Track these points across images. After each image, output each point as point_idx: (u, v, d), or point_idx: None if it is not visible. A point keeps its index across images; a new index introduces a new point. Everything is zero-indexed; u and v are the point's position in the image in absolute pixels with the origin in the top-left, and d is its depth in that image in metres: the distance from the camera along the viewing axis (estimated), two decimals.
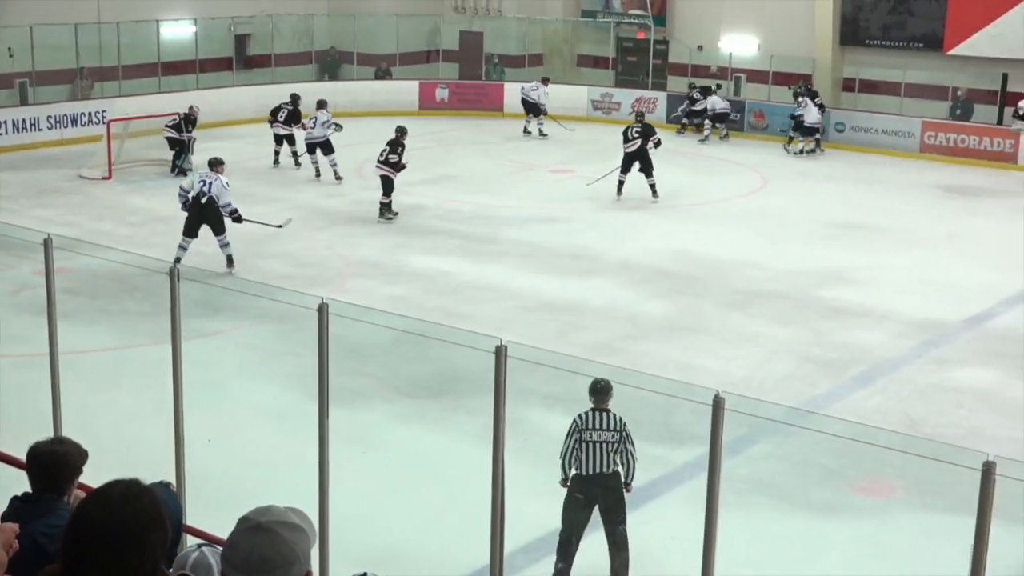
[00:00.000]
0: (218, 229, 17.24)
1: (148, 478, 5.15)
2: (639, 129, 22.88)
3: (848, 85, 31.12)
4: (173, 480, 7.45)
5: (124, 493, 3.09)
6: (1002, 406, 13.01)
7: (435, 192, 23.10)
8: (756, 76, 31.42)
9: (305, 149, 24.34)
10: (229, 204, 17.20)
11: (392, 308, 14.61)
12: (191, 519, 6.87)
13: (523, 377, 8.95)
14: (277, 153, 25.34)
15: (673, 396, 9.11)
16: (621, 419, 9.08)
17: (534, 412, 12.01)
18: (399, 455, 11.71)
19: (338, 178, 23.81)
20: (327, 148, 23.96)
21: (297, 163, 24.95)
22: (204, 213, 17.14)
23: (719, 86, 30.31)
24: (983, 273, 18.20)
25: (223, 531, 6.32)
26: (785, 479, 11.21)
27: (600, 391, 9.11)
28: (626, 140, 22.86)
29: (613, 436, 9.05)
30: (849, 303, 16.52)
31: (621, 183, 22.88)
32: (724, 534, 6.41)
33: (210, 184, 17.12)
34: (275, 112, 25.32)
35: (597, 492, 9.13)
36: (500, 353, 6.51)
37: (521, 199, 22.84)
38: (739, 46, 31.91)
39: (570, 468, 9.12)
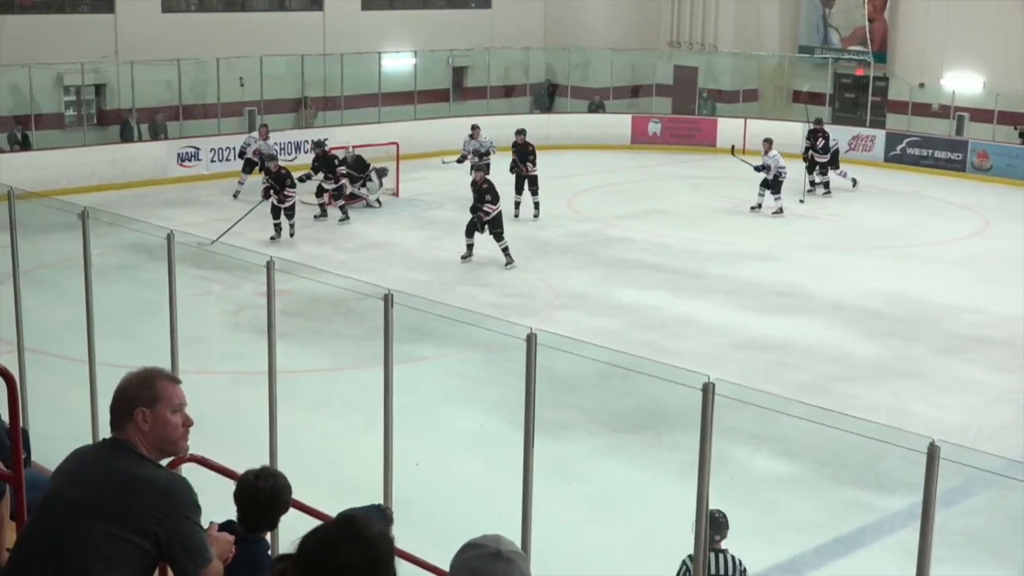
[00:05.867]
0: None
1: (357, 500, 5.28)
2: None
3: None
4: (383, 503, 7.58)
5: (380, 531, 3.10)
6: None
7: (644, 226, 23.08)
8: (980, 115, 30.41)
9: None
10: None
11: (599, 341, 14.62)
12: (396, 542, 6.98)
13: (729, 415, 8.82)
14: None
15: (884, 442, 8.81)
16: (739, 563, 7.95)
17: (740, 451, 11.85)
18: (601, 488, 11.69)
19: None
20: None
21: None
22: None
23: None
24: None
25: (423, 554, 6.43)
26: (1001, 534, 10.75)
27: (714, 522, 7.60)
28: None
29: None
30: None
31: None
32: None
33: None
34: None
35: None
36: (708, 390, 6.43)
37: (731, 235, 22.62)
38: (963, 84, 30.94)
39: None
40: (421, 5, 34.10)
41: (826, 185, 26.66)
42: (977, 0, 30.71)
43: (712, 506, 7.04)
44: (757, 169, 24.69)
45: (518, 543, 7.51)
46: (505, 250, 19.81)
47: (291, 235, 21.78)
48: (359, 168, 24.35)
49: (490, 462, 11.60)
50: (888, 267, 20.48)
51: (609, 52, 33.94)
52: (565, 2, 35.69)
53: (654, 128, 32.78)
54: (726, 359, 15.13)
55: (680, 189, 26.76)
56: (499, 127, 30.48)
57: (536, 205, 23.53)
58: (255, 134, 25.49)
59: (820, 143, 26.79)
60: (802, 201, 25.83)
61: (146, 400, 3.96)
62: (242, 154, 24.89)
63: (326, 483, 8.65)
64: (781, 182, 24.52)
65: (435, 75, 33.02)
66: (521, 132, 24.25)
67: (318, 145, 24.06)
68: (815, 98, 33.84)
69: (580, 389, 13.66)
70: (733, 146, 25.18)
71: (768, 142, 25.01)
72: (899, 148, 30.25)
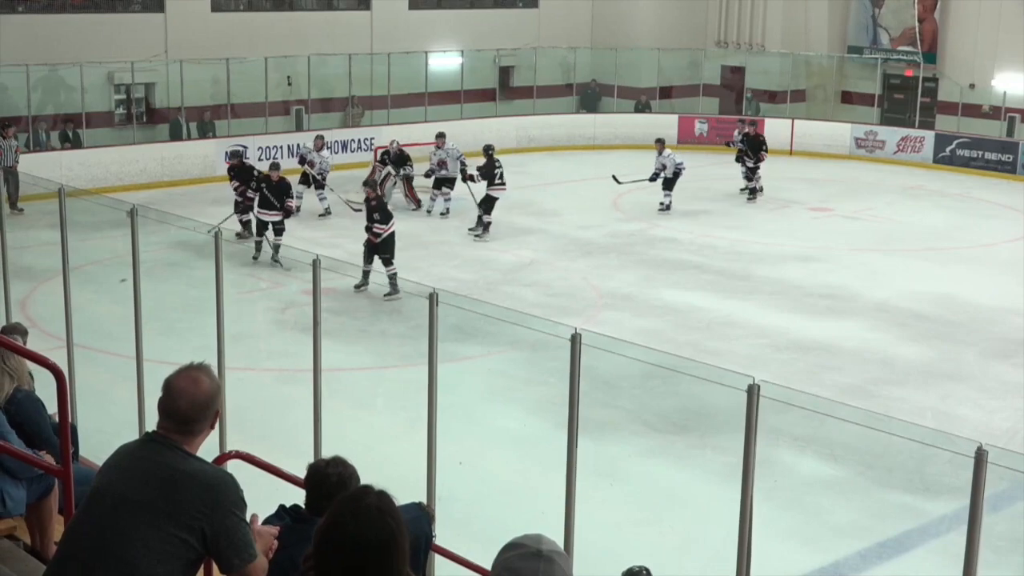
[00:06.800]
0: None
1: (400, 498, 5.29)
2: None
3: None
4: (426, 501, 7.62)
5: (378, 506, 3.14)
6: None
7: (690, 226, 23.03)
8: None
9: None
10: None
11: (643, 341, 14.59)
12: (438, 539, 7.02)
13: (773, 417, 8.81)
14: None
15: (930, 445, 8.75)
16: None
17: (784, 453, 11.80)
18: (644, 488, 11.67)
19: None
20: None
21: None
22: None
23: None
24: None
25: (466, 552, 6.45)
26: None
27: None
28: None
29: None
30: None
31: None
32: None
33: None
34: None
35: None
36: (752, 392, 6.41)
37: (776, 236, 22.51)
38: (1014, 85, 30.61)
39: None
40: (468, 5, 34.16)
41: (752, 191, 26.23)
42: None
43: (756, 509, 7.02)
44: (652, 179, 24.71)
45: (560, 543, 7.53)
46: (392, 278, 17.53)
47: (274, 258, 19.21)
48: (399, 163, 24.29)
49: (533, 461, 11.61)
50: (935, 269, 20.31)
51: (656, 52, 33.87)
52: (612, 2, 35.64)
53: (701, 128, 32.67)
54: (768, 360, 15.06)
55: (726, 189, 26.66)
56: (545, 127, 30.43)
57: (486, 226, 21.75)
58: (311, 144, 24.40)
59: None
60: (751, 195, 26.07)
61: (219, 402, 4.09)
62: (301, 161, 24.31)
63: (369, 480, 8.64)
64: (677, 179, 24.50)
65: (482, 75, 33.10)
66: (489, 147, 22.68)
67: (235, 156, 22.50)
68: (863, 99, 33.63)
69: (623, 389, 13.64)
70: (614, 175, 24.84)
71: (660, 142, 24.97)
72: (948, 150, 30.00)
